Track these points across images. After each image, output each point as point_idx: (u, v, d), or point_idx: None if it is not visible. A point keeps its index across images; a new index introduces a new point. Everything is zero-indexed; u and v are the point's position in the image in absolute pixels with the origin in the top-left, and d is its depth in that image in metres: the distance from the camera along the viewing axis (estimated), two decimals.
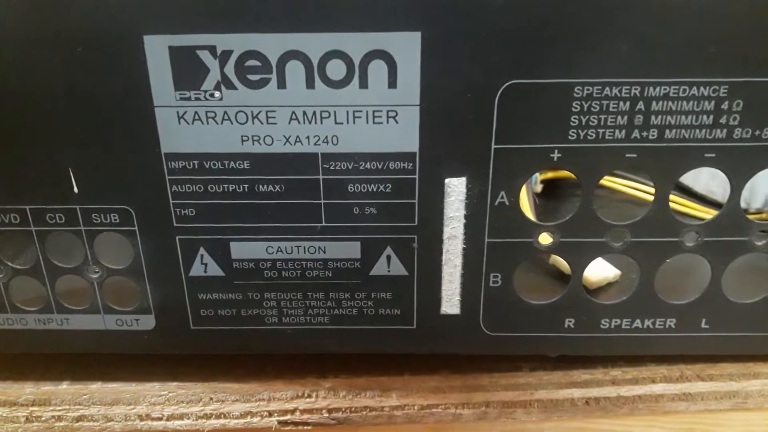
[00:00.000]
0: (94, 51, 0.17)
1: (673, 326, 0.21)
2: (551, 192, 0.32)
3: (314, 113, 0.18)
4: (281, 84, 0.18)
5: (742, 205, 0.20)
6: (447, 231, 0.20)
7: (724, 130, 0.18)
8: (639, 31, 0.17)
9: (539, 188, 0.32)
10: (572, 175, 0.19)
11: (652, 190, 0.19)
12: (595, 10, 0.17)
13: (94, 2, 0.17)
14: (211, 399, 0.22)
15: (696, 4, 0.17)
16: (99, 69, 0.18)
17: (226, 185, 0.19)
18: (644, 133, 0.18)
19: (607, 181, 0.31)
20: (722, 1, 0.17)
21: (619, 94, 0.18)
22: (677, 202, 0.29)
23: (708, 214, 0.28)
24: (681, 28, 0.17)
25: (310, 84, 0.18)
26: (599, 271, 0.24)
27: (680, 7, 0.17)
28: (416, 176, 0.19)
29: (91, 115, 0.18)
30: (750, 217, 0.20)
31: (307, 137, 0.19)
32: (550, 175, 0.32)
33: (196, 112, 0.18)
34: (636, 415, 0.22)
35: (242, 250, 0.20)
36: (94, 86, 0.18)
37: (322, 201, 0.20)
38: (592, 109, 0.18)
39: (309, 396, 0.22)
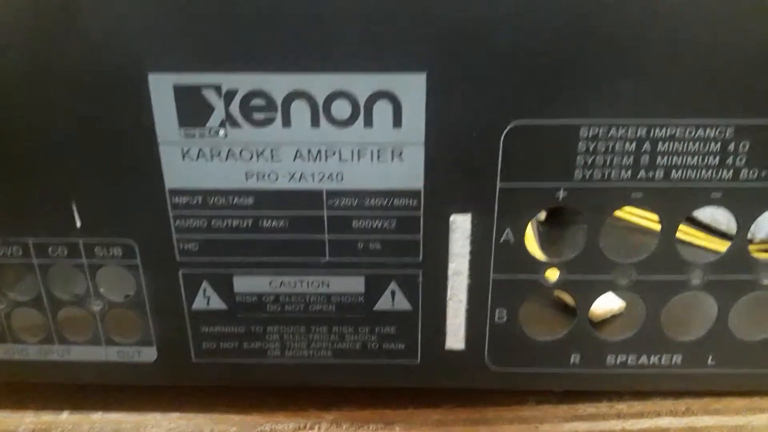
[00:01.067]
0: (100, 87, 0.17)
1: (679, 363, 0.21)
2: (555, 219, 0.32)
3: (319, 151, 0.18)
4: (286, 123, 0.18)
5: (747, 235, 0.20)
6: (452, 267, 0.20)
7: (731, 171, 0.18)
8: (645, 73, 0.17)
9: (543, 216, 0.32)
10: None
11: (657, 218, 0.19)
12: (601, 52, 0.17)
13: (101, 40, 0.17)
14: (212, 430, 0.22)
15: (703, 45, 0.17)
16: (104, 105, 0.18)
17: (229, 220, 0.19)
18: (650, 173, 0.18)
19: None
20: (729, 43, 0.17)
21: (625, 135, 0.18)
22: (682, 231, 0.29)
23: (712, 243, 0.28)
24: (687, 69, 0.17)
25: (315, 123, 0.18)
26: (604, 303, 0.24)
27: (687, 49, 0.17)
28: (421, 213, 0.19)
29: (96, 150, 0.18)
30: (754, 251, 0.20)
31: (312, 174, 0.18)
32: None
33: (200, 149, 0.18)
34: None
35: (245, 283, 0.20)
36: (99, 122, 0.18)
37: (326, 236, 0.19)
38: (598, 149, 0.18)
39: (311, 428, 0.22)
